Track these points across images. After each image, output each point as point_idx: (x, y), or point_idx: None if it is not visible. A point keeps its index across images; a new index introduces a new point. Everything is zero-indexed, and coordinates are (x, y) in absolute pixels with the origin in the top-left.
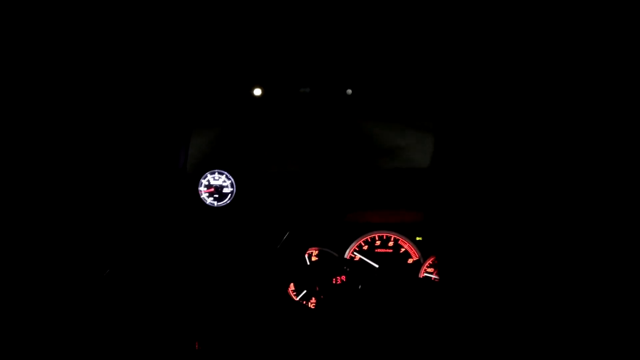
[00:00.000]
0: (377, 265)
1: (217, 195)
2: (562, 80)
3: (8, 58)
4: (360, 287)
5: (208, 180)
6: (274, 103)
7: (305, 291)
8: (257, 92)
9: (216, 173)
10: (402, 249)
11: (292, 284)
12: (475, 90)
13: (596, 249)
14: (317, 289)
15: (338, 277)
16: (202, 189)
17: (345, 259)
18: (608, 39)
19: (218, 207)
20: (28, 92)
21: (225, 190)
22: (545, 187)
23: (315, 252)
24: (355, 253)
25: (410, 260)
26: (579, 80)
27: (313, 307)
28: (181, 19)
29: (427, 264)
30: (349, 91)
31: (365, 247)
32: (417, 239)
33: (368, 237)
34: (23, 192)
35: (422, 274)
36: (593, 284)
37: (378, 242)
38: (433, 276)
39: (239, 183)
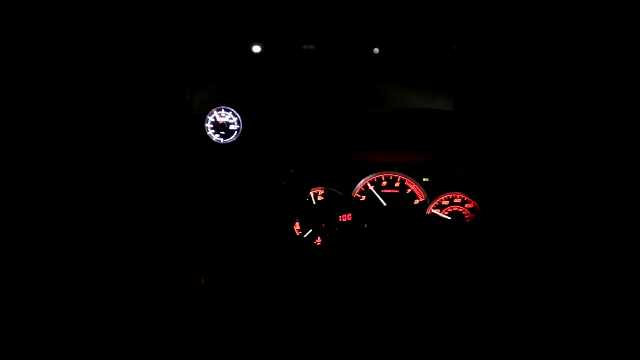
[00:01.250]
0: (385, 203)
1: (223, 132)
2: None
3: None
4: (366, 225)
5: (214, 117)
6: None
7: (311, 230)
8: (257, 49)
9: (222, 110)
10: (409, 190)
11: (297, 223)
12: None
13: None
14: (323, 226)
15: (344, 216)
16: (208, 125)
17: (351, 197)
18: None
19: (224, 144)
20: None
21: (232, 127)
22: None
23: (321, 192)
24: (361, 193)
25: (416, 201)
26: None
27: (319, 245)
28: None
29: (433, 205)
30: (376, 50)
31: (372, 187)
32: (424, 180)
33: (374, 177)
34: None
35: (429, 213)
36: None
37: (384, 183)
38: (440, 215)
39: (245, 120)
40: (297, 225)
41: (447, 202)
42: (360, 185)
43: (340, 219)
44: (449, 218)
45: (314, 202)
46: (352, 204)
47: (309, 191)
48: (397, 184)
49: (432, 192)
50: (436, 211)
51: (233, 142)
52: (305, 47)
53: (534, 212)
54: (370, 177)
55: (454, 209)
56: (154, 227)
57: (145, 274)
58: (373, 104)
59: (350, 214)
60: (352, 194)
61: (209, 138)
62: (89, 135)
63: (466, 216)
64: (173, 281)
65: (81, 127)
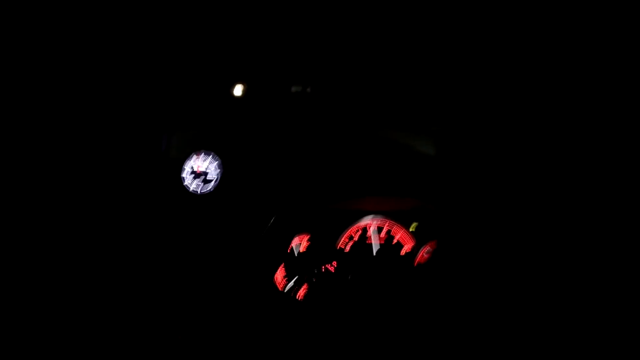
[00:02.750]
0: (372, 254)
1: (200, 182)
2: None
3: None
4: (350, 277)
5: (193, 163)
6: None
7: (293, 281)
8: (238, 91)
9: (202, 154)
10: (395, 239)
11: (280, 274)
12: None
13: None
14: (305, 278)
15: (327, 266)
16: (185, 175)
17: (335, 247)
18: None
19: (203, 194)
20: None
21: (210, 174)
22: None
23: (304, 241)
24: (345, 243)
25: (402, 251)
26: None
27: (301, 299)
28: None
29: (421, 254)
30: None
31: (357, 237)
32: (411, 229)
33: (359, 226)
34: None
35: (415, 264)
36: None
37: (370, 232)
38: (425, 264)
39: (226, 165)
40: (278, 277)
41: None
42: (345, 234)
43: (323, 270)
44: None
45: (296, 253)
46: (336, 255)
47: (291, 240)
48: (382, 234)
49: (420, 240)
50: (424, 259)
51: (212, 190)
52: (294, 89)
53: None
54: (355, 226)
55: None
56: (130, 283)
57: (123, 331)
58: (359, 148)
59: (334, 264)
60: (337, 244)
61: (186, 188)
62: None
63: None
64: (151, 336)
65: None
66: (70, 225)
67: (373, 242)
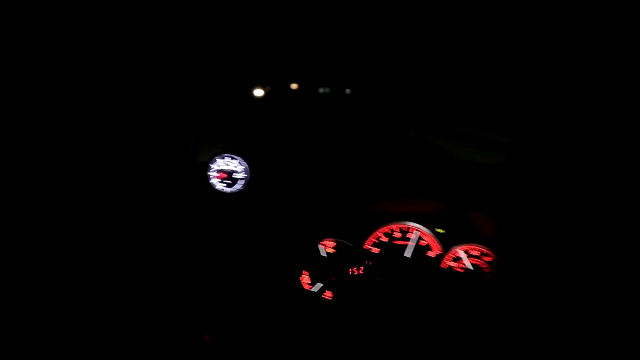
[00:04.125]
0: (405, 256)
1: (229, 181)
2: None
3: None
4: (379, 279)
5: (218, 165)
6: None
7: (320, 284)
8: (259, 92)
9: (227, 157)
10: (423, 242)
11: (307, 277)
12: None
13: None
14: (333, 279)
15: (355, 269)
16: (211, 173)
17: (363, 249)
18: None
19: (229, 194)
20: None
21: (235, 175)
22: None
23: (331, 244)
24: (373, 245)
25: (431, 254)
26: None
27: (329, 299)
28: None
29: (448, 257)
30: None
31: (385, 239)
32: (438, 231)
33: (387, 229)
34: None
35: (445, 267)
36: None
37: (398, 234)
38: (455, 268)
39: (253, 168)
40: (305, 279)
41: (462, 255)
42: (372, 236)
43: (350, 272)
44: (468, 270)
45: (324, 255)
46: (363, 257)
47: (319, 243)
48: (410, 235)
49: (448, 245)
50: (452, 264)
51: (239, 192)
52: (321, 90)
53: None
54: (382, 229)
55: (471, 262)
56: (157, 283)
57: (151, 332)
58: (390, 149)
59: (362, 267)
60: (363, 245)
61: (212, 186)
62: (89, 188)
63: (484, 270)
64: (178, 337)
65: (82, 179)
66: (97, 222)
67: (402, 244)
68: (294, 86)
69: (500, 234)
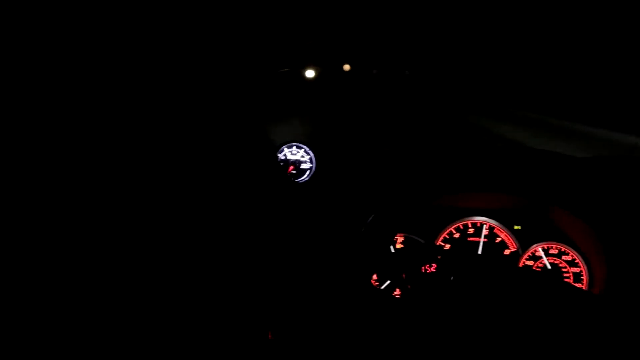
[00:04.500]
0: (477, 252)
1: (294, 172)
2: None
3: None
4: (452, 278)
5: (285, 155)
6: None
7: (389, 281)
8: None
9: (294, 147)
10: (499, 239)
11: (374, 274)
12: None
13: None
14: (404, 277)
15: (427, 266)
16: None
17: (436, 246)
18: None
19: (295, 184)
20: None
21: (303, 166)
22: None
23: (400, 239)
24: (445, 241)
25: (507, 252)
26: None
27: (398, 298)
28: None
29: (526, 256)
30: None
31: (457, 235)
32: (515, 227)
33: (460, 224)
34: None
35: (521, 264)
36: None
37: (471, 230)
38: (533, 267)
39: (319, 159)
40: (374, 276)
41: (541, 254)
42: (444, 232)
43: (423, 270)
44: (545, 269)
45: (393, 250)
46: (436, 253)
47: (392, 239)
48: (485, 232)
49: (525, 242)
50: (529, 263)
51: (305, 183)
52: (407, 72)
53: None
54: (455, 224)
55: (550, 261)
56: (221, 276)
57: (213, 326)
58: (465, 140)
59: (434, 265)
60: (435, 241)
61: (287, 178)
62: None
63: (563, 270)
64: (240, 333)
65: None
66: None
67: (476, 240)
68: (346, 67)
69: (593, 238)
